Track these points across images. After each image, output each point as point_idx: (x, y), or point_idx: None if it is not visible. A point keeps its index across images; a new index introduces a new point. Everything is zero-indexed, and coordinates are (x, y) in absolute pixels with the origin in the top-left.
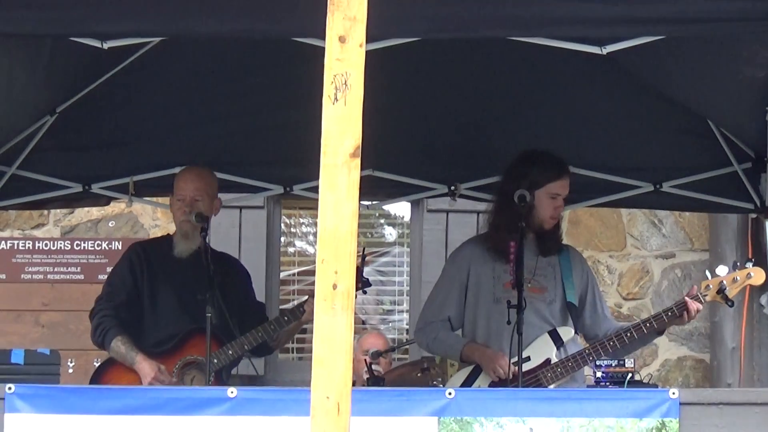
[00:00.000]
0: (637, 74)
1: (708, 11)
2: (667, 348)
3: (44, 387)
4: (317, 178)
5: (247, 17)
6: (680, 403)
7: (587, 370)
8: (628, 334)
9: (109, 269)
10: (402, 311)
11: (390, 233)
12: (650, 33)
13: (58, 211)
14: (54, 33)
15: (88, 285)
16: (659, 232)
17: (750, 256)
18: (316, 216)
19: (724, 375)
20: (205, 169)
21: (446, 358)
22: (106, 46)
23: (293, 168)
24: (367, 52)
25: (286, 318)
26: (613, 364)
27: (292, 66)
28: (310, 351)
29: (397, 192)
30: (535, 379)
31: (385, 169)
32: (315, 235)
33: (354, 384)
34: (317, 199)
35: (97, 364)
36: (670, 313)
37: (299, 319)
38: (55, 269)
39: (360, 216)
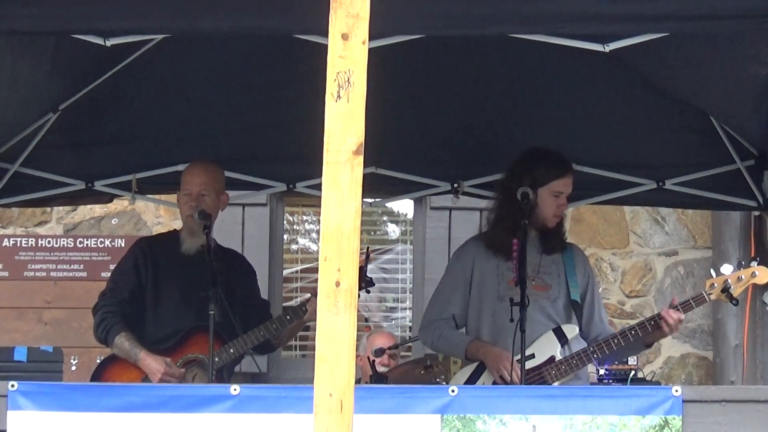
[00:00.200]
0: (640, 72)
1: (710, 8)
2: (670, 345)
3: (47, 384)
4: (320, 175)
5: (250, 14)
6: (683, 401)
7: (590, 368)
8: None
9: (112, 267)
10: (405, 309)
11: (393, 231)
12: (653, 30)
13: (61, 208)
14: (56, 30)
15: (91, 282)
16: (662, 229)
17: (753, 254)
18: (318, 213)
19: (727, 372)
20: (213, 164)
21: (451, 356)
22: (108, 43)
23: (296, 165)
24: (369, 49)
25: (288, 317)
26: (616, 362)
27: (294, 63)
28: (313, 348)
29: (399, 189)
30: (540, 376)
31: (387, 166)
32: (318, 232)
33: (358, 381)
34: (320, 197)
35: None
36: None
37: (301, 318)
38: (58, 267)
39: (363, 213)
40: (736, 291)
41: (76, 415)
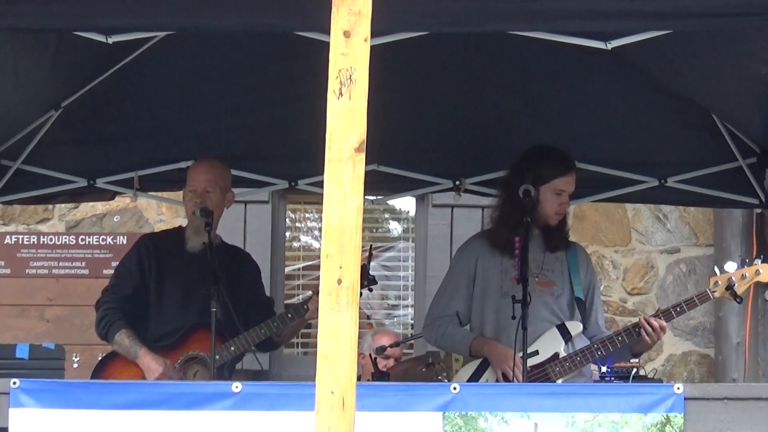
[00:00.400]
0: (642, 69)
1: (711, 5)
2: (672, 343)
3: (49, 382)
4: (322, 172)
5: (252, 12)
6: (685, 398)
7: (593, 365)
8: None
9: (114, 264)
10: (407, 306)
11: (395, 228)
12: (655, 28)
13: (63, 205)
14: (58, 27)
15: (92, 280)
16: (664, 227)
17: (755, 251)
18: (321, 211)
19: (728, 370)
20: (219, 161)
21: (455, 353)
22: (110, 41)
23: (298, 163)
24: (371, 46)
25: (289, 315)
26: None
27: (296, 61)
28: (315, 346)
29: (401, 187)
30: (543, 373)
31: (389, 163)
32: (320, 229)
33: (360, 379)
34: (322, 194)
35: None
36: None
37: (303, 316)
38: (60, 264)
39: (365, 211)
40: (740, 289)
41: (78, 413)
